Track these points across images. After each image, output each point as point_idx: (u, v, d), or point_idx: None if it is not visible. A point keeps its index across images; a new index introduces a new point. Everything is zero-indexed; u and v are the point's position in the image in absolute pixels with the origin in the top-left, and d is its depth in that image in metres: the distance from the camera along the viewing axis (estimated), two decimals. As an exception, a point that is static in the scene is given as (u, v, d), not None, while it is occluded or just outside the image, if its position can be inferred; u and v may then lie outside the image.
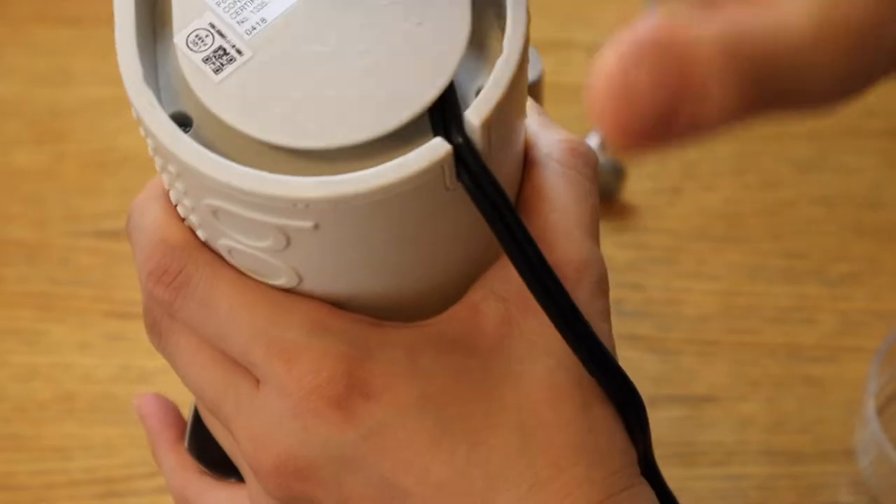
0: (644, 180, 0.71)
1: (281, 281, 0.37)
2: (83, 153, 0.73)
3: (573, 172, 0.39)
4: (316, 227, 0.34)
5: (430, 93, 0.34)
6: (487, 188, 0.34)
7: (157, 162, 0.36)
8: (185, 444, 0.48)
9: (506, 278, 0.38)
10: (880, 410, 0.62)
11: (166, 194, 0.38)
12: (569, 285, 0.37)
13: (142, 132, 0.36)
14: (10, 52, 0.77)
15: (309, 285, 0.37)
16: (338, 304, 0.37)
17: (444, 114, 0.34)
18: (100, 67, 0.76)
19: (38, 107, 0.75)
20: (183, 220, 0.38)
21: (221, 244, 0.37)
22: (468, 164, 0.34)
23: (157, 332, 0.40)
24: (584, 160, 0.39)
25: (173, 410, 0.49)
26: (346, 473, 0.37)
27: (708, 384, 0.64)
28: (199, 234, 0.38)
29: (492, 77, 0.35)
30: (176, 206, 0.38)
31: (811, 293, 0.67)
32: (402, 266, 0.37)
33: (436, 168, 0.34)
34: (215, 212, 0.35)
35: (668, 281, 0.67)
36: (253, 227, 0.35)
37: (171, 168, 0.35)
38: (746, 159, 0.72)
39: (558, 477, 0.36)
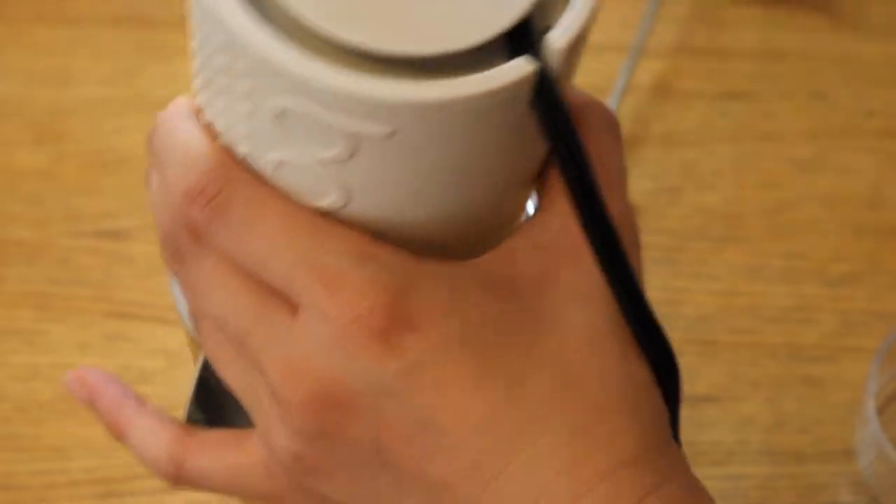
0: (644, 180, 0.71)
1: (326, 201, 0.36)
2: (83, 153, 0.73)
3: (602, 134, 0.39)
4: (390, 135, 0.34)
5: (515, 11, 0.34)
6: (561, 117, 0.34)
7: (218, 62, 0.35)
8: (186, 416, 0.47)
9: (546, 227, 0.38)
10: (880, 410, 0.62)
11: (195, 114, 0.38)
12: None
13: (201, 33, 0.35)
14: (10, 52, 0.77)
15: (354, 207, 0.36)
16: (376, 235, 0.37)
17: (524, 37, 0.34)
18: (100, 67, 0.76)
19: (38, 107, 0.75)
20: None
21: (269, 159, 0.36)
22: (546, 90, 0.34)
23: (179, 259, 0.38)
24: (608, 123, 0.39)
25: (117, 378, 0.46)
26: (383, 406, 0.36)
27: (708, 384, 0.64)
28: (241, 149, 0.37)
29: (574, 4, 0.35)
30: (209, 123, 0.37)
31: (811, 293, 0.67)
32: (452, 194, 0.37)
33: (519, 86, 0.34)
34: (281, 115, 0.34)
35: (668, 281, 0.67)
36: (323, 132, 0.34)
37: (241, 65, 0.34)
38: (746, 159, 0.72)
39: (600, 424, 0.36)
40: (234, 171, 0.36)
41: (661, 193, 0.70)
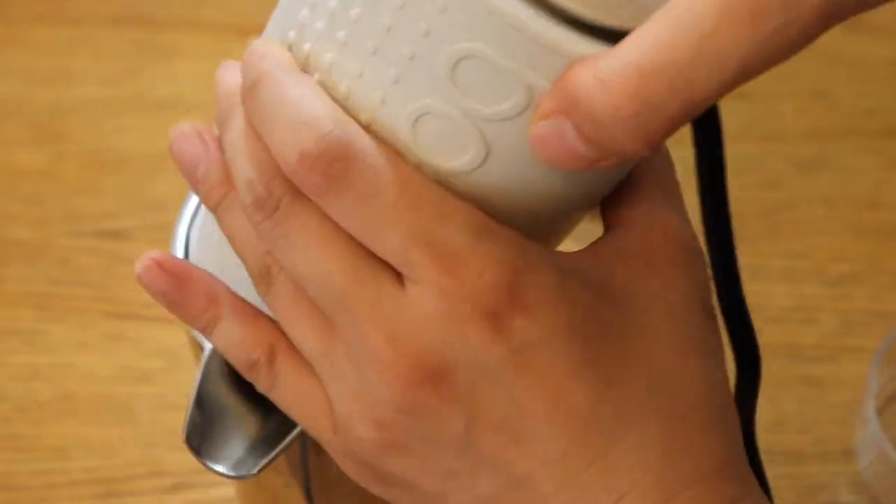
0: (644, 180, 0.71)
1: (460, 161, 0.36)
2: (83, 153, 0.73)
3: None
4: None
5: None
6: (714, 118, 0.35)
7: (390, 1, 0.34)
8: (188, 418, 0.46)
9: (629, 239, 0.38)
10: (880, 410, 0.62)
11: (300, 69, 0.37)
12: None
13: None
14: (10, 52, 0.77)
15: (480, 172, 0.36)
16: (492, 209, 0.36)
17: None
18: (100, 67, 0.76)
19: (38, 107, 0.75)
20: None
21: (414, 108, 0.35)
22: None
23: (268, 209, 0.36)
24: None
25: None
26: (482, 387, 0.36)
27: (708, 384, 0.64)
28: (374, 96, 0.35)
29: None
30: (322, 77, 0.36)
31: (811, 293, 0.67)
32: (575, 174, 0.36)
33: None
34: (462, 60, 0.34)
35: (669, 281, 0.67)
36: (503, 83, 0.34)
37: (440, 1, 0.33)
38: (746, 159, 0.72)
39: (687, 430, 0.36)
40: (356, 136, 0.35)
41: (661, 193, 0.70)
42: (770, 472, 0.62)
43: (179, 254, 0.47)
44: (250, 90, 0.36)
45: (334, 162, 0.35)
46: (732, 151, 0.73)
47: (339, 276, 0.36)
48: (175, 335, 0.64)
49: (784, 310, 0.66)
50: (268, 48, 0.37)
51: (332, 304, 0.36)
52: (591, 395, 0.36)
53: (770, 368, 0.64)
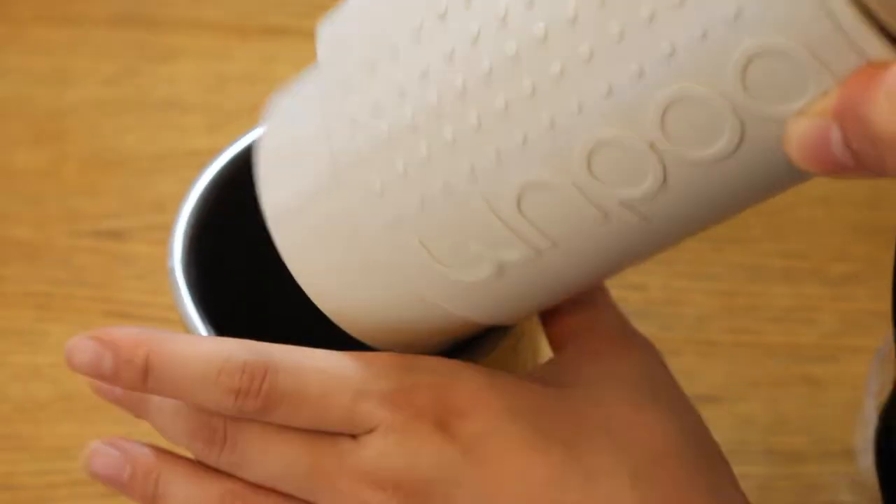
0: (644, 180, 0.71)
1: (640, 188, 0.35)
2: (83, 153, 0.73)
3: None
4: None
5: None
6: None
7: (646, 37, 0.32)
8: None
9: (569, 349, 0.42)
10: (880, 410, 0.62)
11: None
12: None
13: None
14: (10, 52, 0.77)
15: (657, 203, 0.35)
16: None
17: None
18: (100, 67, 0.76)
19: (38, 107, 0.75)
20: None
21: (591, 136, 0.34)
22: None
23: (218, 440, 0.40)
24: None
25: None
26: (455, 492, 0.38)
27: (708, 384, 0.64)
28: (542, 116, 0.34)
29: None
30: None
31: (811, 293, 0.67)
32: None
33: None
34: (675, 104, 0.33)
35: (668, 281, 0.67)
36: (713, 122, 0.33)
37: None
38: (746, 159, 0.72)
39: (657, 468, 0.38)
40: (269, 351, 0.39)
41: (661, 193, 0.70)
42: (770, 472, 0.62)
43: (177, 253, 0.47)
44: (145, 380, 0.39)
45: (261, 386, 0.38)
46: (732, 151, 0.73)
47: (304, 456, 0.39)
48: (175, 335, 0.64)
49: (784, 310, 0.66)
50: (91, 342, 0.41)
51: (304, 483, 0.39)
52: (554, 461, 0.38)
53: (770, 368, 0.65)
